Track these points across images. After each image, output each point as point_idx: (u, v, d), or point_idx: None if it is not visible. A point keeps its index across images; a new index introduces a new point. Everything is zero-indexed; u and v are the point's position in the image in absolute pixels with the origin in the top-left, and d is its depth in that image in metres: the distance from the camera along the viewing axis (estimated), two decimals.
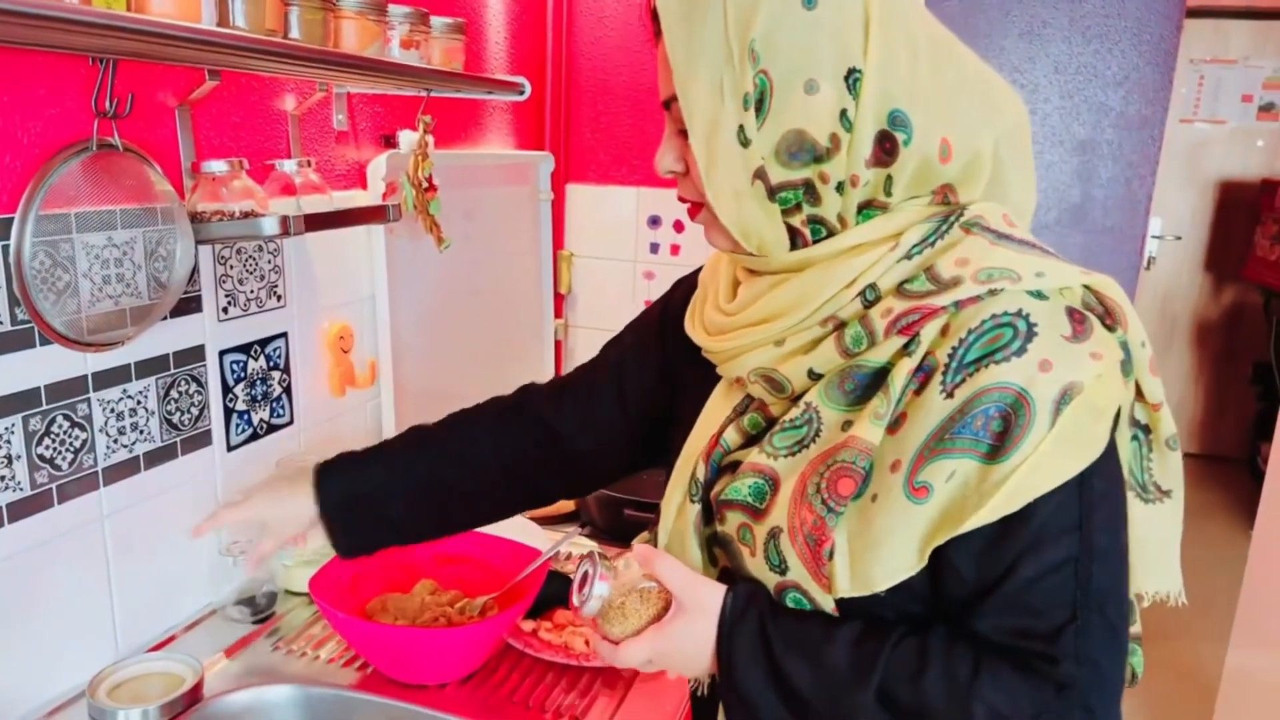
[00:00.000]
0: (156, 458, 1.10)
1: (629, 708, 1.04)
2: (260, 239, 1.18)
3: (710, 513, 0.78)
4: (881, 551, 0.66)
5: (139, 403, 1.07)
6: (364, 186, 1.44)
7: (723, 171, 0.69)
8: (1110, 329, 0.68)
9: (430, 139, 1.38)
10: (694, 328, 0.83)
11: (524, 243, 1.96)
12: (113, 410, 1.03)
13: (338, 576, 1.09)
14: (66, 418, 0.98)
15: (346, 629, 1.06)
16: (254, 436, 1.25)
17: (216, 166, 1.05)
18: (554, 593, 1.18)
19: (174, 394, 1.11)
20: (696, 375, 0.84)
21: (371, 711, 1.02)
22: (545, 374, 2.10)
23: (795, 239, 0.71)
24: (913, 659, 0.68)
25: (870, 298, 0.69)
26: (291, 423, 1.32)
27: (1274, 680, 1.79)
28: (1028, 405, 0.63)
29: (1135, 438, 0.75)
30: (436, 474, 1.00)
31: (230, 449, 1.21)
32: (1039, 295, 0.67)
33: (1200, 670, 2.78)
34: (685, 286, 0.95)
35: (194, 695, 0.98)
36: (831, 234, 0.71)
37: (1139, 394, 0.73)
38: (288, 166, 1.17)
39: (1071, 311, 0.67)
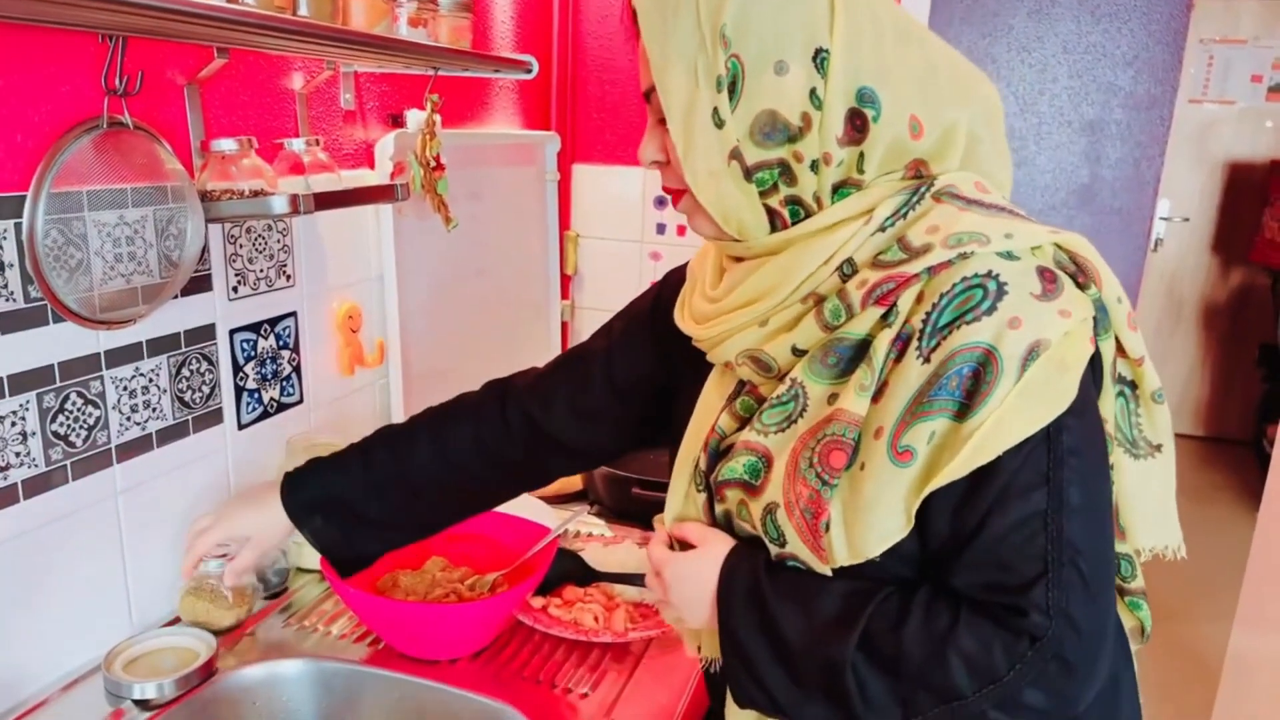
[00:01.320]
0: (169, 435, 1.11)
1: (638, 682, 1.05)
2: (270, 218, 1.18)
3: (712, 501, 0.81)
4: (872, 517, 0.68)
5: (151, 380, 1.07)
6: (371, 166, 1.44)
7: (700, 154, 0.71)
8: (1083, 287, 0.70)
9: (438, 118, 1.38)
10: (683, 318, 0.84)
11: (530, 223, 1.95)
12: (125, 388, 1.04)
13: None
14: (80, 395, 0.99)
15: (358, 605, 1.07)
16: (264, 415, 1.26)
17: (226, 145, 1.05)
18: (563, 569, 1.19)
19: (185, 372, 1.12)
20: (691, 367, 0.86)
21: (383, 686, 1.03)
22: (551, 355, 2.09)
23: (774, 221, 0.73)
24: (895, 611, 0.70)
25: (847, 272, 0.71)
26: (301, 401, 1.33)
27: (1278, 661, 1.80)
28: (995, 361, 0.65)
29: (1121, 394, 0.76)
30: (410, 472, 1.02)
31: (241, 427, 1.22)
32: (1009, 256, 0.68)
33: (1204, 651, 2.80)
34: (675, 278, 0.97)
35: (208, 669, 1.00)
36: (809, 214, 0.72)
37: (1120, 350, 0.74)
38: (296, 145, 1.17)
39: (1043, 271, 0.68)
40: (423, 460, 1.02)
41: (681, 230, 2.08)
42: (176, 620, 1.11)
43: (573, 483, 1.54)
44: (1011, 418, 0.64)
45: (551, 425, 1.01)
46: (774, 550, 0.74)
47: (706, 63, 0.70)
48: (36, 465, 0.95)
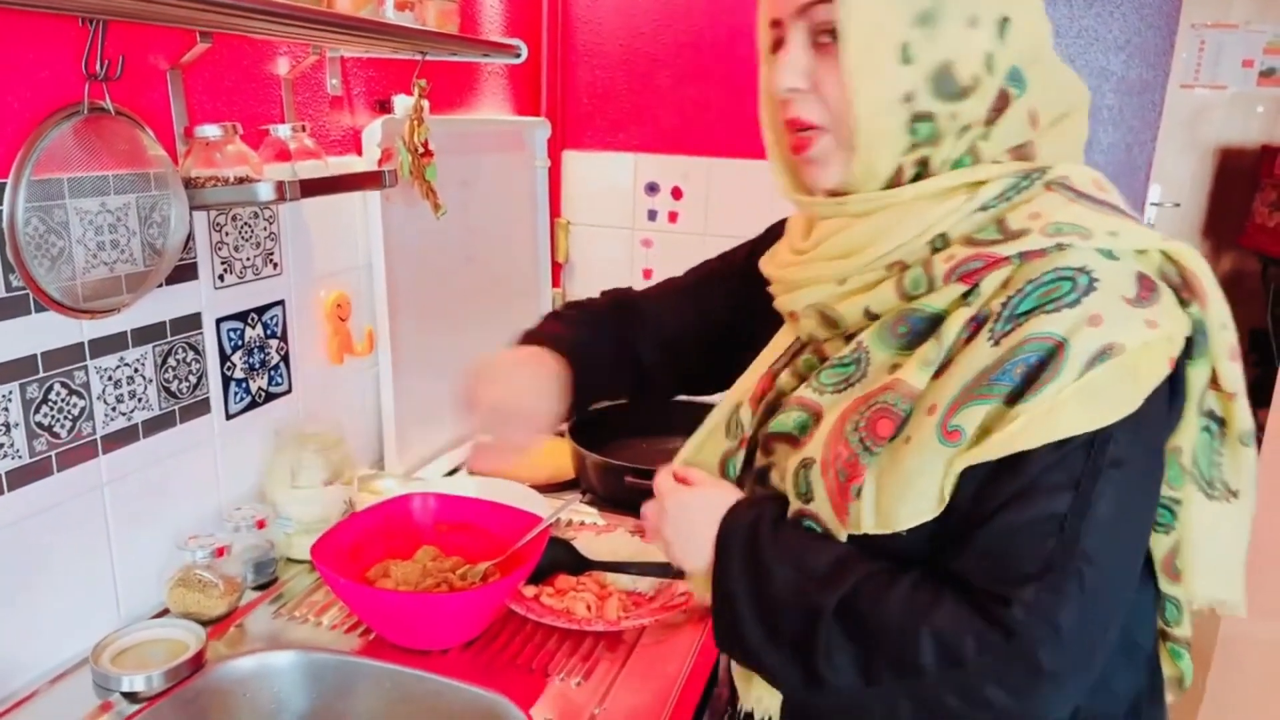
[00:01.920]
0: (155, 425, 1.09)
1: (631, 671, 1.05)
2: (256, 204, 1.17)
3: (751, 455, 0.81)
4: (909, 491, 0.66)
5: (136, 370, 1.06)
6: (359, 153, 1.42)
7: (876, 85, 0.67)
8: (1185, 303, 0.67)
9: (425, 103, 1.36)
10: (766, 263, 0.84)
11: (520, 210, 1.94)
12: (110, 378, 1.03)
13: (339, 543, 1.09)
14: (64, 385, 0.97)
15: (349, 595, 1.06)
16: (252, 405, 1.25)
17: (210, 131, 1.03)
18: (555, 558, 1.18)
19: (171, 362, 1.11)
20: (761, 320, 0.86)
21: (375, 677, 1.03)
22: None
23: (894, 178, 0.71)
24: (883, 582, 0.68)
25: (939, 245, 0.69)
26: (290, 391, 1.32)
27: (1269, 647, 1.81)
28: (1062, 354, 0.62)
29: (1207, 429, 0.72)
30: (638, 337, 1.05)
31: (229, 417, 1.21)
32: (1109, 255, 0.65)
33: (1195, 637, 2.81)
34: (775, 231, 0.95)
35: (197, 661, 0.99)
36: (919, 178, 0.70)
37: (1214, 382, 0.70)
38: (282, 131, 1.15)
39: (1142, 277, 0.65)
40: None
41: (673, 217, 2.07)
42: (165, 612, 1.10)
43: (565, 470, 1.53)
44: (1061, 412, 0.62)
45: (643, 345, 1.04)
46: (796, 505, 0.73)
47: None
48: (21, 457, 0.94)
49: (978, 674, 0.64)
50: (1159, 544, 0.75)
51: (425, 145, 1.35)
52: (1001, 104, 0.69)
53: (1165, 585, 0.75)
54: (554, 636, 1.10)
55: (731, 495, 0.80)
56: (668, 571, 1.17)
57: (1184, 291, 0.67)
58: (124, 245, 1.00)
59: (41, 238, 0.91)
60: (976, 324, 0.66)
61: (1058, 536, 0.63)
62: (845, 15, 0.66)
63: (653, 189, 2.07)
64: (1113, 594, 0.66)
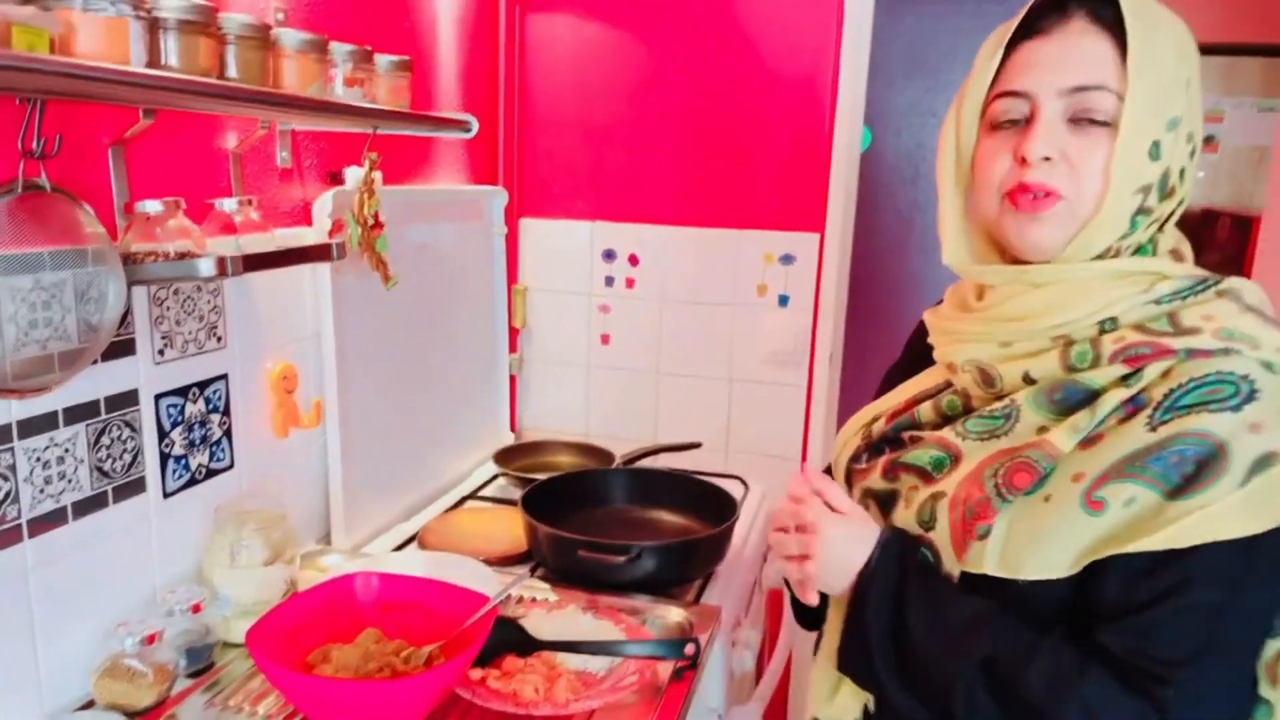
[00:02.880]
0: (85, 507, 1.06)
1: None
2: (197, 280, 1.15)
3: (877, 456, 0.89)
4: (1040, 546, 0.72)
5: (67, 451, 1.03)
6: (309, 223, 1.42)
7: (1131, 173, 0.75)
8: None
9: (378, 175, 1.36)
10: (931, 314, 0.90)
11: (477, 277, 1.94)
12: (39, 459, 0.99)
13: (277, 627, 1.05)
14: None
15: (284, 683, 1.02)
16: (192, 482, 1.21)
17: (151, 206, 1.02)
18: (502, 639, 1.15)
19: (105, 440, 1.07)
20: (916, 365, 0.96)
21: None
22: (500, 410, 2.07)
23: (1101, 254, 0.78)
24: (1026, 642, 0.73)
25: (1108, 328, 0.76)
26: (232, 466, 1.29)
27: None
28: (1225, 457, 0.67)
29: None
30: None
31: (166, 496, 1.17)
32: (1271, 368, 0.70)
33: None
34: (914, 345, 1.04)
35: None
36: (1102, 257, 0.78)
37: None
38: (227, 205, 1.14)
39: None
40: None
41: (630, 283, 2.08)
42: (91, 704, 1.05)
43: (519, 543, 1.50)
44: (1227, 515, 0.66)
45: None
46: (915, 531, 0.80)
47: (1169, 99, 0.74)
48: None
49: None
50: (1269, 647, 0.76)
51: (376, 217, 1.34)
52: (1176, 209, 0.79)
53: (1265, 689, 0.76)
54: None
55: (876, 530, 0.84)
56: (619, 650, 1.15)
57: None
58: (58, 323, 0.98)
59: None
60: (1134, 407, 0.72)
61: (1211, 625, 0.69)
62: (1132, 110, 0.74)
63: (610, 255, 2.09)
64: (1242, 683, 0.73)
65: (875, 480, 0.88)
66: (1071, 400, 0.75)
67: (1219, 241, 4.08)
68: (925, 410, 0.87)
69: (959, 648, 0.75)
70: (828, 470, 1.00)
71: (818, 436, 2.02)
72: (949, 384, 0.87)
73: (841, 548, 0.83)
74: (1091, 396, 0.74)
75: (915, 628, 0.77)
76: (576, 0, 1.99)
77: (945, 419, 0.85)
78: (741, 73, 1.92)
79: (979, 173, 0.83)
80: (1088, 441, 0.73)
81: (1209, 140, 4.39)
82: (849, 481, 0.94)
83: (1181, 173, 0.77)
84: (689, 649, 1.13)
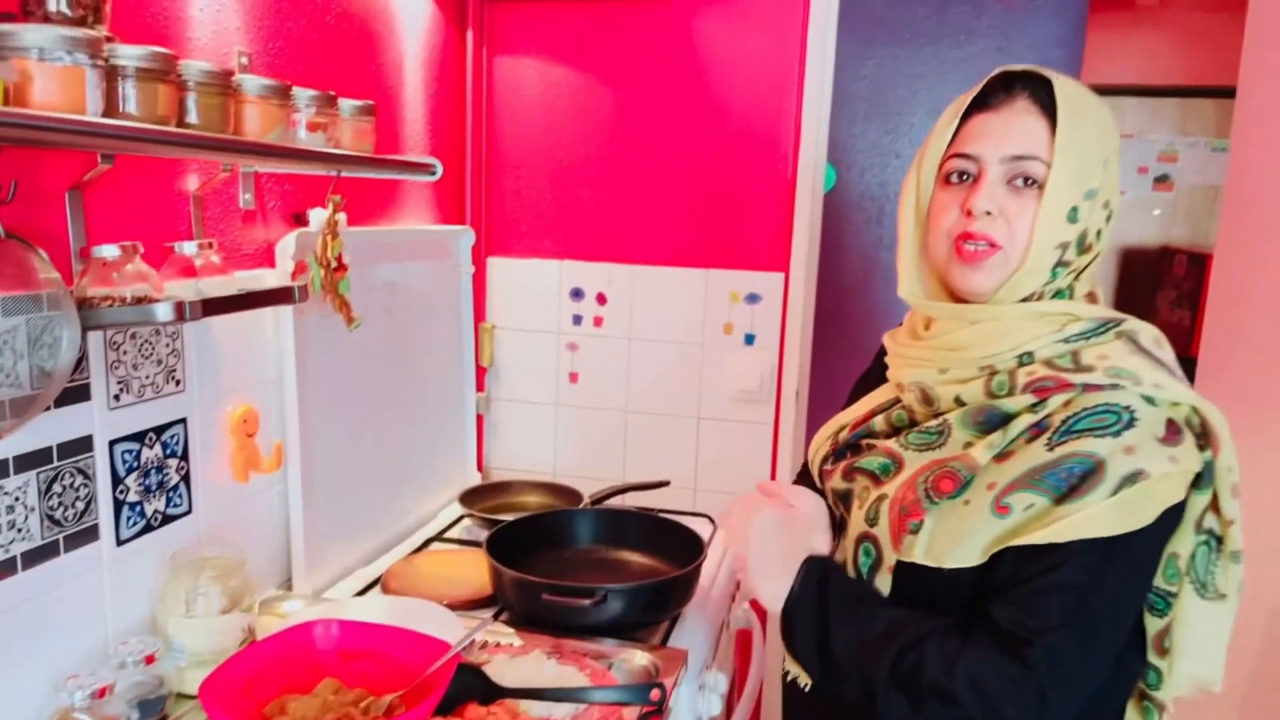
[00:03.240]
0: (35, 557, 1.03)
1: None
2: (154, 324, 1.14)
3: (837, 453, 1.07)
4: (959, 541, 0.88)
5: (17, 499, 1.00)
6: (273, 265, 1.41)
7: (1053, 231, 0.90)
8: (1202, 449, 0.87)
9: (342, 217, 1.36)
10: (889, 339, 1.08)
11: (444, 316, 1.94)
12: None
13: (232, 678, 1.03)
14: None
15: None
16: (147, 529, 1.19)
17: (107, 251, 1.01)
18: (465, 686, 1.13)
19: (56, 488, 1.05)
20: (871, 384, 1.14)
21: None
22: (467, 450, 2.06)
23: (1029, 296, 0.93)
24: (921, 635, 0.89)
25: (1025, 361, 0.91)
26: (190, 512, 1.26)
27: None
28: (1102, 472, 0.82)
29: (1206, 543, 0.91)
30: None
31: (120, 543, 1.15)
32: (1150, 401, 0.85)
33: None
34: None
35: None
36: (1028, 299, 0.93)
37: (1216, 509, 0.90)
38: (187, 249, 1.13)
39: (1170, 422, 0.85)
40: None
41: (598, 321, 2.09)
42: None
43: (483, 587, 1.49)
44: (1097, 518, 0.82)
45: None
46: (861, 528, 0.96)
47: (1088, 174, 0.90)
48: None
49: (999, 697, 0.85)
50: (1152, 625, 0.95)
51: (339, 259, 1.34)
52: (1092, 262, 0.94)
53: (1152, 657, 0.96)
54: None
55: (808, 549, 1.03)
56: (584, 697, 1.13)
57: (1201, 439, 0.87)
58: (10, 369, 0.96)
59: None
60: (1038, 430, 0.87)
61: (1076, 601, 0.84)
62: (1057, 182, 0.89)
63: (578, 294, 2.10)
64: (1103, 651, 0.88)
65: (838, 481, 1.04)
66: (991, 422, 0.91)
67: (1175, 278, 4.17)
68: (879, 422, 1.04)
69: (872, 658, 0.91)
70: (804, 473, 1.20)
71: (785, 473, 2.03)
72: (898, 400, 1.03)
73: (772, 542, 1.02)
74: (1006, 419, 0.90)
75: (836, 645, 0.94)
76: (544, 43, 2.01)
77: (894, 430, 1.02)
78: (706, 114, 1.95)
79: (933, 220, 0.97)
80: (1001, 456, 0.89)
81: (1164, 180, 4.52)
82: (821, 480, 1.10)
83: (1098, 233, 0.93)
84: (655, 694, 1.12)
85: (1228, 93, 1.89)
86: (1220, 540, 0.91)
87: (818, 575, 0.99)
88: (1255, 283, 1.70)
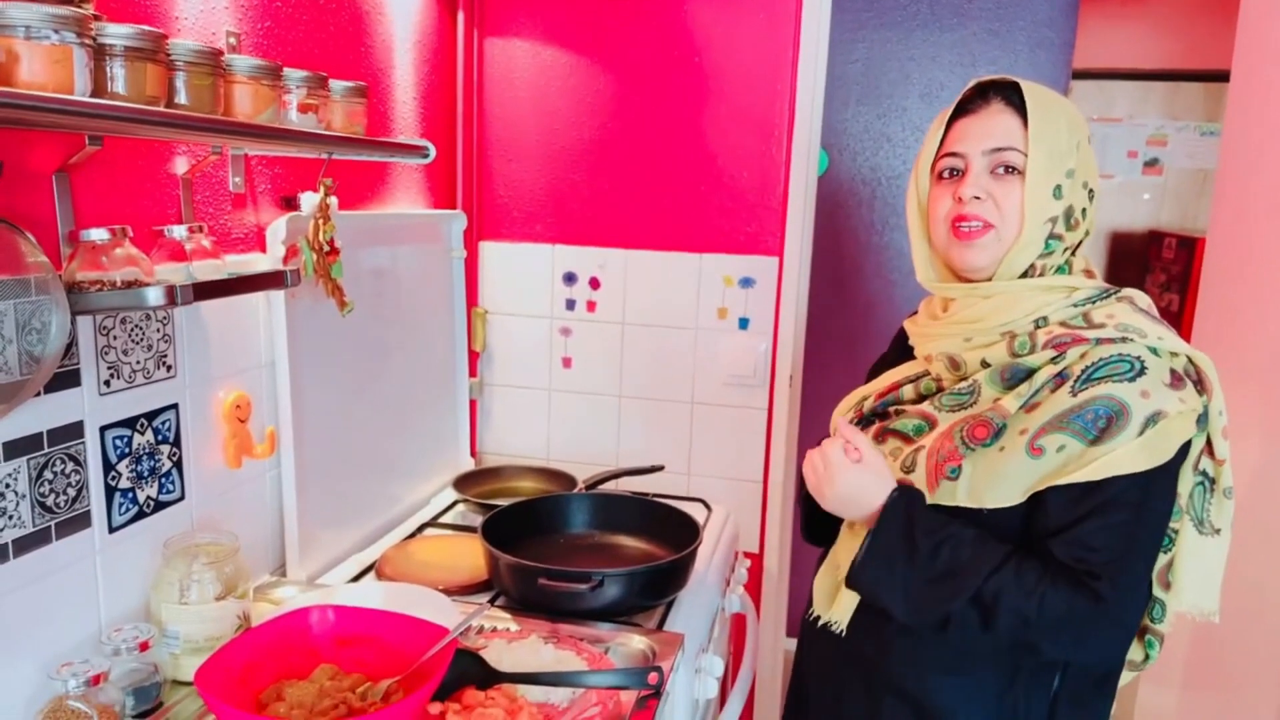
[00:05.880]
0: (27, 544, 1.02)
1: None
2: (145, 309, 1.13)
3: (867, 426, 1.16)
4: (997, 483, 0.99)
5: (8, 486, 0.99)
6: (263, 249, 1.40)
7: (1041, 208, 1.03)
8: (1199, 393, 0.98)
9: (333, 200, 1.35)
10: (910, 324, 1.19)
11: (436, 301, 1.92)
12: None
13: (228, 665, 1.02)
14: None
15: None
16: (139, 515, 1.18)
17: (96, 234, 1.00)
18: (462, 672, 1.13)
19: (48, 475, 1.04)
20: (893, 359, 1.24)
21: None
22: (460, 435, 2.05)
23: (1027, 271, 1.05)
24: (1002, 556, 0.98)
25: (1040, 324, 1.03)
26: (183, 498, 1.25)
27: (1180, 716, 1.84)
28: (1127, 415, 0.94)
29: (1201, 483, 1.03)
30: None
31: (112, 530, 1.14)
32: (1154, 351, 0.98)
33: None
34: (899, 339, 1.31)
35: None
36: (1029, 275, 1.06)
37: (1210, 450, 1.02)
38: (177, 232, 1.12)
39: (1173, 370, 0.98)
40: None
41: (591, 306, 2.08)
42: None
43: (479, 572, 1.48)
44: (1130, 456, 0.93)
45: None
46: (899, 475, 1.06)
47: (1064, 156, 1.02)
48: None
49: (1081, 629, 0.96)
50: (1158, 560, 1.04)
51: (331, 243, 1.33)
52: (1083, 239, 1.07)
53: (1158, 591, 1.06)
54: None
55: (891, 481, 1.06)
56: (582, 681, 1.13)
57: (1198, 385, 0.99)
58: None
59: None
60: (1060, 379, 0.98)
61: (1127, 535, 0.96)
62: (1035, 166, 1.02)
63: (570, 279, 2.09)
64: (1148, 572, 1.02)
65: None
66: (1017, 377, 1.02)
67: (1165, 261, 4.19)
68: (907, 391, 1.14)
69: (970, 567, 0.98)
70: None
71: (779, 457, 2.03)
72: (926, 372, 1.13)
73: (851, 480, 1.06)
74: (1030, 373, 1.01)
75: (922, 561, 1.00)
76: (536, 25, 1.99)
77: (922, 397, 1.12)
78: (700, 97, 1.94)
79: (932, 211, 1.11)
80: (1029, 406, 0.99)
81: (1154, 163, 4.52)
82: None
83: (1084, 211, 1.05)
84: (652, 678, 1.12)
85: (1217, 77, 1.89)
86: (1214, 480, 1.03)
87: (906, 493, 1.05)
88: (1247, 265, 1.70)
